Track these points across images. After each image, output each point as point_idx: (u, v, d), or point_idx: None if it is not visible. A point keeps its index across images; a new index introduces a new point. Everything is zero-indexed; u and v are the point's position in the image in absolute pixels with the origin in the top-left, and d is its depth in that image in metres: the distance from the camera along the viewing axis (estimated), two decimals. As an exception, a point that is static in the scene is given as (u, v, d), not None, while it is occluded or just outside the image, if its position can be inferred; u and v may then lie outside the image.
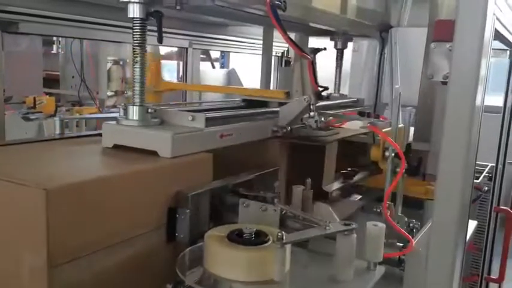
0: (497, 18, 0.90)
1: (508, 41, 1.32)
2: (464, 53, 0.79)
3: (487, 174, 2.46)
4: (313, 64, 1.45)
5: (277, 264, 0.94)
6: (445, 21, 0.86)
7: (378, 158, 1.45)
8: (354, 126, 1.95)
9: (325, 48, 2.17)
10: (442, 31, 0.84)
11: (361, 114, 1.90)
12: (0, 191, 0.96)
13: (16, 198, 0.93)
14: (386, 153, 1.39)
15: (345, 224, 1.04)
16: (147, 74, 1.28)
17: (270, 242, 0.99)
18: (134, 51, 1.24)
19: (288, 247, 0.97)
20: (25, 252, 0.92)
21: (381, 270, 1.11)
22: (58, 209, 0.89)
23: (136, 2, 1.18)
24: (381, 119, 1.69)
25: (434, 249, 0.93)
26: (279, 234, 0.94)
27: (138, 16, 1.20)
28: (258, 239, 1.01)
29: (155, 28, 1.27)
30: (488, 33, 0.83)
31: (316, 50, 1.71)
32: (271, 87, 2.86)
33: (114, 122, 1.27)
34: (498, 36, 1.16)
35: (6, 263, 0.96)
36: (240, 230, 1.03)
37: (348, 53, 2.91)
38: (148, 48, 1.27)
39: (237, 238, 1.00)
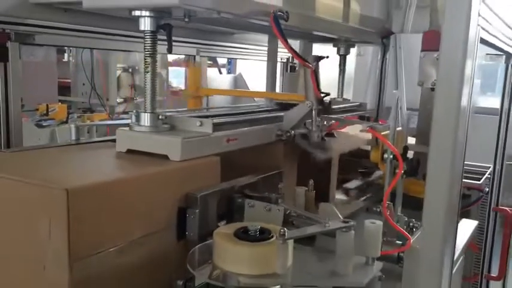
0: (483, 28, 0.97)
1: (499, 47, 1.38)
2: (449, 61, 0.86)
3: (489, 176, 2.51)
4: (315, 72, 1.52)
5: (280, 258, 1.02)
6: (433, 32, 0.93)
7: (377, 160, 1.52)
8: (355, 131, 2.02)
9: (327, 57, 2.24)
10: (430, 41, 0.91)
11: (362, 118, 1.97)
12: (22, 192, 1.04)
13: (37, 198, 1.01)
14: (385, 155, 1.46)
15: (344, 222, 1.11)
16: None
17: (273, 239, 1.06)
18: (145, 62, 1.32)
19: (290, 242, 1.04)
20: (47, 247, 0.99)
21: (378, 265, 1.17)
22: (78, 207, 0.97)
23: (147, 16, 1.26)
24: (380, 122, 1.77)
25: (424, 248, 0.98)
26: (281, 230, 1.01)
27: (149, 29, 1.27)
28: (262, 235, 1.08)
29: (164, 37, 1.35)
30: (473, 42, 0.90)
31: (319, 58, 1.75)
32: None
33: (127, 128, 1.35)
34: (489, 43, 1.23)
35: (30, 258, 1.04)
36: (246, 227, 1.10)
37: (352, 57, 2.98)
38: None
39: (243, 235, 1.08)
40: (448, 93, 0.86)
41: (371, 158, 1.53)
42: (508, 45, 1.45)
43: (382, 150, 1.47)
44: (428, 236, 0.94)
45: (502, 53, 1.66)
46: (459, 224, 2.00)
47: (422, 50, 0.95)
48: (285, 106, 1.95)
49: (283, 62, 3.50)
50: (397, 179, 1.41)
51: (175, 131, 1.36)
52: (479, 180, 2.42)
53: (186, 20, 1.33)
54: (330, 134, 1.88)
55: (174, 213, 1.21)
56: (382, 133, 1.46)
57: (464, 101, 0.88)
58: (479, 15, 0.92)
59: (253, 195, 1.35)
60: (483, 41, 1.07)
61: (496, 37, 1.21)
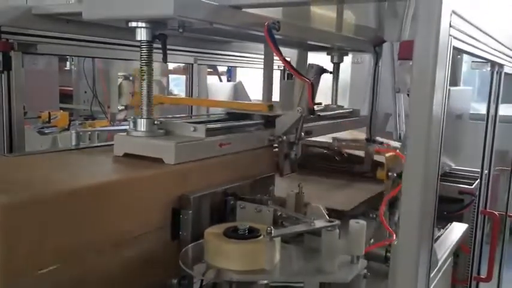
0: (455, 38, 1.03)
1: (481, 56, 1.44)
2: (421, 70, 0.92)
3: (481, 181, 2.56)
4: (313, 86, 1.57)
5: (267, 255, 1.08)
6: (409, 41, 0.99)
7: (383, 178, 1.62)
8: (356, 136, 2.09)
9: (331, 72, 2.33)
10: (405, 51, 0.97)
11: (368, 140, 2.06)
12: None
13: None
14: (390, 174, 1.56)
15: (329, 221, 1.17)
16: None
17: (261, 237, 1.12)
18: (142, 70, 1.38)
19: (277, 240, 1.10)
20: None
21: (363, 263, 1.23)
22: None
23: (143, 27, 1.32)
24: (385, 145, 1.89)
25: (401, 248, 1.03)
26: (268, 229, 1.07)
27: (145, 39, 1.34)
28: (251, 234, 1.14)
29: (161, 46, 1.41)
30: (444, 52, 0.96)
31: (323, 71, 1.72)
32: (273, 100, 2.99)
33: (124, 134, 1.41)
34: (468, 52, 1.29)
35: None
36: (235, 227, 1.16)
37: (347, 65, 3.03)
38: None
39: (232, 234, 1.14)
40: (420, 101, 0.92)
41: (377, 175, 1.65)
42: (489, 53, 1.52)
43: (388, 170, 1.59)
44: (404, 237, 0.99)
45: (485, 61, 1.72)
46: (450, 228, 2.07)
47: (398, 59, 1.01)
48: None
49: (281, 70, 3.56)
50: (397, 191, 1.49)
51: (170, 135, 1.42)
52: (471, 185, 2.48)
53: (180, 30, 1.40)
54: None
55: (168, 213, 1.27)
56: (387, 154, 1.63)
57: (437, 108, 0.94)
58: (450, 26, 0.98)
59: (244, 197, 1.41)
60: (459, 50, 1.14)
61: (474, 46, 1.26)
